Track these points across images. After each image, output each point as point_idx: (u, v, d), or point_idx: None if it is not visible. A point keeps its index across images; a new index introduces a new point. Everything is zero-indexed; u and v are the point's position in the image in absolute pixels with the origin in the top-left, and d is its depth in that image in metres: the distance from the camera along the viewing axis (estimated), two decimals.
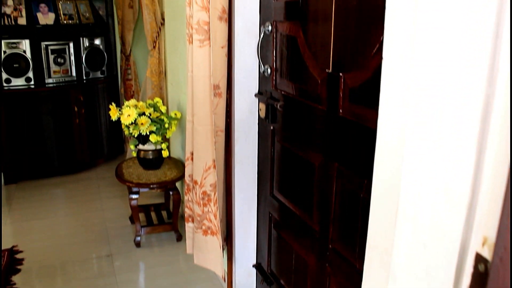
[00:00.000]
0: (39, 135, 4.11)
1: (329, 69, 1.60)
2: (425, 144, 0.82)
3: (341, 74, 1.53)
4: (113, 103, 3.04)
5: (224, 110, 2.13)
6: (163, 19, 3.46)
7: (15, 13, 3.94)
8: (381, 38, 1.35)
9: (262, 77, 2.12)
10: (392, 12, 1.04)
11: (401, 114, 0.97)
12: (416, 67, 0.86)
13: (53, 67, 4.14)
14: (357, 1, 1.44)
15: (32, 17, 4.02)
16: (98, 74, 4.39)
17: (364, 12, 1.41)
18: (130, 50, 4.43)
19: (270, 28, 1.98)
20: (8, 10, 3.92)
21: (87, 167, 4.42)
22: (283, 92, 1.95)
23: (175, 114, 3.07)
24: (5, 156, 4.04)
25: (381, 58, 1.37)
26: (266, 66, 2.04)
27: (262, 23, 2.06)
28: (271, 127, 2.08)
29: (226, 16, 1.99)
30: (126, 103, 3.00)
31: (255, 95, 2.16)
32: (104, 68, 4.42)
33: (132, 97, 4.53)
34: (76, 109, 4.17)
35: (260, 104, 2.12)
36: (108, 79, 4.48)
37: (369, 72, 1.41)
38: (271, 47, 2.00)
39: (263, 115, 2.10)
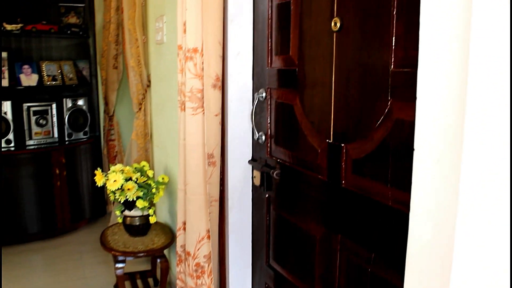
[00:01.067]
0: (18, 199, 3.95)
1: (330, 139, 1.56)
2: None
3: (343, 144, 1.50)
4: (98, 168, 2.95)
5: (218, 179, 2.07)
6: (149, 81, 3.44)
7: None
8: (386, 109, 1.33)
9: (256, 144, 2.08)
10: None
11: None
12: None
13: (35, 129, 4.04)
14: (358, 69, 1.43)
15: (15, 79, 3.97)
16: (81, 135, 4.30)
17: (368, 81, 1.40)
18: (114, 110, 4.38)
19: (264, 95, 1.95)
20: None
21: (68, 230, 4.25)
22: (279, 160, 1.90)
23: (163, 178, 2.99)
24: None
25: (386, 129, 1.35)
26: (260, 133, 2.00)
27: (256, 89, 2.04)
28: (267, 195, 2.02)
29: (220, 83, 1.96)
30: (112, 168, 2.91)
31: (249, 162, 2.11)
32: (87, 129, 4.34)
33: (115, 158, 4.45)
34: (57, 171, 4.05)
35: (255, 171, 2.07)
36: (91, 139, 4.40)
37: (373, 143, 1.38)
38: (265, 114, 1.97)
39: (257, 182, 2.04)
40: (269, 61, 1.92)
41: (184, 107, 2.01)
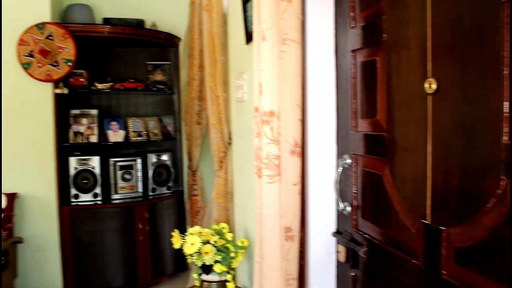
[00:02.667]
0: (102, 251, 4.00)
1: (426, 219, 1.32)
2: None
3: (443, 228, 1.25)
4: (175, 230, 2.87)
5: (297, 255, 1.87)
6: (230, 139, 3.36)
7: (88, 131, 4.02)
8: (498, 190, 1.09)
9: (340, 215, 1.87)
10: None
11: None
12: None
13: (120, 183, 4.12)
14: (460, 139, 1.19)
15: (103, 134, 4.10)
16: (164, 190, 4.32)
17: (472, 153, 1.16)
18: (197, 165, 4.36)
19: (349, 161, 1.76)
20: (82, 129, 4.01)
21: (149, 285, 4.21)
22: (366, 235, 1.67)
23: (242, 242, 2.84)
24: (68, 270, 3.93)
25: (500, 215, 1.09)
26: (345, 204, 1.79)
27: (339, 155, 1.84)
28: (353, 273, 1.78)
29: (299, 149, 1.79)
30: (190, 230, 2.82)
31: (333, 234, 1.89)
32: (170, 184, 4.36)
33: (198, 213, 4.38)
34: (140, 226, 4.06)
35: (339, 245, 1.84)
36: (174, 194, 4.39)
37: (483, 231, 1.13)
38: (350, 183, 1.76)
39: (342, 258, 1.81)
40: (354, 124, 1.73)
41: (261, 174, 1.86)
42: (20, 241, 3.84)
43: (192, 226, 4.33)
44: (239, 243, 2.85)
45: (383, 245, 1.56)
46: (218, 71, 3.38)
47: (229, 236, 2.87)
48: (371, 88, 1.61)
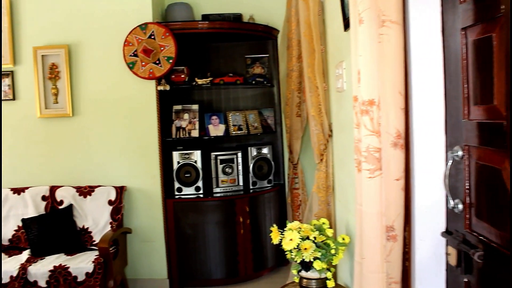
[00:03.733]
0: (204, 244, 4.07)
1: None
2: None
3: None
4: (274, 225, 2.81)
5: (400, 257, 1.70)
6: (331, 131, 3.22)
7: (189, 126, 4.11)
8: None
9: (450, 213, 1.67)
10: None
11: None
12: None
13: (221, 177, 4.16)
14: None
15: (204, 129, 4.16)
16: (265, 183, 4.30)
17: None
18: (298, 158, 4.28)
19: (460, 153, 1.56)
20: (184, 124, 4.11)
21: (250, 278, 4.22)
22: (481, 237, 1.47)
23: (343, 238, 2.70)
24: (172, 261, 4.07)
25: None
26: (456, 201, 1.60)
27: (449, 146, 1.65)
28: (465, 279, 1.59)
29: (401, 141, 1.63)
30: (289, 225, 2.74)
31: (442, 235, 1.70)
32: (271, 177, 4.32)
33: (299, 207, 4.30)
34: (241, 219, 4.07)
35: (449, 247, 1.65)
36: (275, 188, 4.36)
37: None
38: (462, 177, 1.57)
39: (453, 262, 1.62)
40: (466, 111, 1.53)
41: (360, 167, 1.72)
42: (129, 231, 4.03)
43: (293, 220, 4.29)
44: (340, 240, 2.72)
45: (502, 249, 1.36)
46: (316, 61, 3.26)
47: (329, 232, 2.75)
48: (486, 69, 1.40)
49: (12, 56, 4.09)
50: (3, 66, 4.09)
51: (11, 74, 4.12)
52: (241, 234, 4.09)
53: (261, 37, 4.42)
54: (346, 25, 2.61)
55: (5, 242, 3.95)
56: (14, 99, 4.14)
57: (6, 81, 4.12)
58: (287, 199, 4.44)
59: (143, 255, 4.14)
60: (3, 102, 4.14)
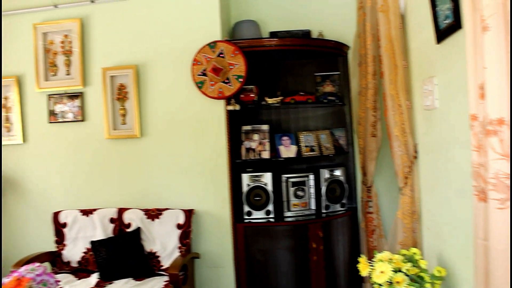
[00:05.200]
0: (275, 270, 3.87)
1: None
2: None
3: None
4: (362, 256, 2.57)
5: None
6: (416, 152, 2.97)
7: (259, 147, 3.96)
8: None
9: None
10: None
11: None
12: None
13: (293, 200, 3.97)
14: None
15: (275, 150, 3.99)
16: (338, 207, 4.06)
17: None
18: (372, 181, 4.02)
19: None
20: (253, 145, 3.96)
21: None
22: None
23: (439, 271, 2.44)
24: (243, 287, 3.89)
25: None
26: None
27: None
28: None
29: None
30: (379, 256, 2.50)
31: None
32: (344, 201, 4.09)
33: (373, 232, 4.03)
34: (314, 245, 3.85)
35: None
36: (348, 212, 4.11)
37: None
38: None
39: None
40: None
41: (485, 196, 1.48)
42: (197, 256, 3.90)
43: (367, 246, 4.03)
44: (435, 273, 2.45)
45: None
46: (399, 77, 3.04)
47: (422, 263, 2.49)
48: None
49: (82, 77, 4.10)
50: (74, 87, 4.12)
51: (81, 95, 4.13)
52: (314, 260, 3.86)
53: (331, 54, 4.23)
54: (440, 37, 2.39)
55: (74, 264, 3.93)
56: (83, 120, 4.15)
57: (76, 102, 4.13)
58: (360, 224, 4.18)
59: (211, 281, 3.99)
60: (73, 123, 4.16)
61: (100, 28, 4.14)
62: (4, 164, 4.38)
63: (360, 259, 2.56)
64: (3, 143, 4.36)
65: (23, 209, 4.36)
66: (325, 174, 4.01)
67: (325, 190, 4.00)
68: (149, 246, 3.83)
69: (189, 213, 3.84)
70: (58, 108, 4.19)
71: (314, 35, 4.23)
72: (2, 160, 4.38)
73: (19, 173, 4.36)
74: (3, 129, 4.36)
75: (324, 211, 4.01)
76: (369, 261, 2.54)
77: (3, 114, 4.35)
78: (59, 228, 4.04)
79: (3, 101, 4.35)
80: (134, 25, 4.08)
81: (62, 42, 4.17)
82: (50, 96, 4.21)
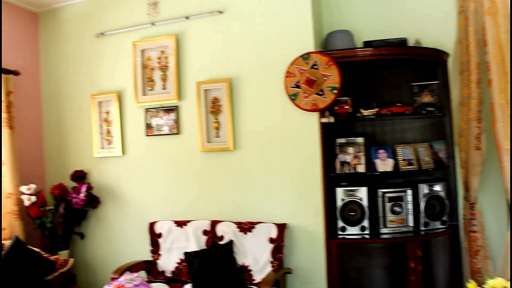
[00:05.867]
0: None
1: None
2: None
3: None
4: (470, 281, 2.37)
5: None
6: None
7: (354, 161, 3.83)
8: None
9: None
10: None
11: None
12: None
13: (389, 216, 3.79)
14: None
15: (370, 164, 3.85)
16: (438, 225, 3.82)
17: None
18: (476, 197, 3.75)
19: None
20: (348, 158, 3.84)
21: None
22: None
23: None
24: None
25: None
26: None
27: None
28: None
29: None
30: (491, 283, 2.29)
31: None
32: (444, 218, 3.84)
33: (477, 253, 3.75)
34: (412, 264, 3.64)
35: None
36: (449, 230, 3.85)
37: None
38: None
39: None
40: None
41: None
42: (289, 271, 3.84)
43: (471, 268, 3.75)
44: None
45: None
46: (510, 85, 2.81)
47: None
48: None
49: (177, 92, 4.23)
50: (170, 101, 4.25)
51: (176, 109, 4.25)
52: (412, 281, 3.65)
53: (429, 62, 4.02)
54: None
55: (168, 274, 4.04)
56: (178, 133, 4.26)
57: (171, 116, 4.26)
58: (463, 244, 3.91)
59: None
60: (169, 136, 4.29)
61: (194, 43, 4.24)
62: (105, 175, 4.61)
63: (469, 285, 2.36)
64: (105, 155, 4.59)
65: (121, 218, 4.55)
66: (424, 189, 3.80)
67: (424, 206, 3.78)
68: (241, 260, 3.82)
69: (281, 227, 3.79)
70: (154, 121, 4.34)
71: (411, 43, 4.05)
72: (104, 171, 4.61)
73: (118, 184, 4.56)
74: (104, 142, 4.59)
75: (423, 228, 3.80)
76: (479, 287, 2.33)
77: (105, 127, 4.59)
78: (154, 238, 4.16)
79: (105, 115, 4.58)
80: (227, 38, 4.13)
81: (159, 58, 4.33)
82: (147, 110, 4.37)
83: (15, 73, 4.48)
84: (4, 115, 4.27)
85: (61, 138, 4.87)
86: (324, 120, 3.74)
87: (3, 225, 4.21)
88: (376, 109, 3.84)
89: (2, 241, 3.91)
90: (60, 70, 4.89)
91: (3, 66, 4.41)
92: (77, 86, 4.79)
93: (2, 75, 4.31)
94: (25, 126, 4.74)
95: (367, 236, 3.76)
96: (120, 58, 4.54)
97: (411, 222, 3.81)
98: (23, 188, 4.24)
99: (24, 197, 4.23)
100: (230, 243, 3.86)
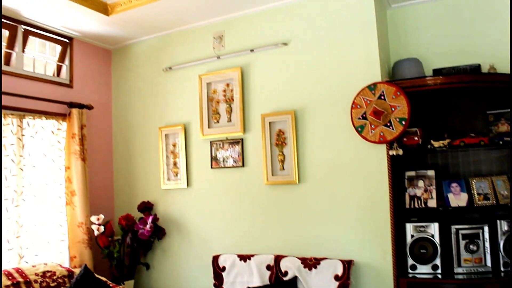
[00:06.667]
0: None
1: None
2: None
3: None
4: None
5: None
6: None
7: (425, 195, 3.64)
8: None
9: None
10: None
11: None
12: None
13: (464, 255, 3.54)
14: None
15: (442, 198, 3.63)
16: None
17: None
18: None
19: None
20: (418, 192, 3.66)
21: None
22: None
23: None
24: None
25: None
26: None
27: None
28: None
29: None
30: None
31: None
32: None
33: None
34: None
35: None
36: None
37: None
38: None
39: None
40: None
41: None
42: None
43: None
44: None
45: None
46: None
47: None
48: None
49: (242, 124, 4.24)
50: (235, 134, 4.27)
51: (241, 141, 4.25)
52: None
53: (505, 89, 3.77)
54: None
55: None
56: (243, 166, 4.25)
57: (236, 148, 4.28)
58: None
59: None
60: (234, 169, 4.31)
61: (259, 75, 4.26)
62: (170, 207, 4.68)
63: None
64: (171, 187, 4.66)
65: (186, 250, 4.57)
66: (503, 226, 3.52)
67: (503, 244, 3.50)
68: None
69: (348, 264, 3.64)
70: (219, 154, 4.36)
71: (484, 69, 3.84)
72: (170, 203, 4.67)
73: (183, 215, 4.61)
74: (171, 174, 4.67)
75: (503, 269, 3.50)
76: None
77: (171, 159, 4.68)
78: (218, 271, 4.13)
79: (171, 148, 4.68)
80: (291, 70, 4.11)
81: (224, 91, 4.38)
82: (212, 142, 4.41)
83: (89, 107, 4.70)
84: (77, 148, 4.46)
85: (130, 169, 5.02)
86: (393, 152, 3.60)
87: (74, 253, 4.37)
88: (448, 140, 3.64)
89: (73, 269, 4.04)
90: (130, 103, 5.08)
91: (78, 101, 4.65)
92: (145, 119, 4.94)
93: (77, 109, 4.53)
94: (96, 158, 4.93)
95: (439, 276, 3.52)
96: (186, 91, 4.65)
97: (489, 262, 3.53)
98: (93, 218, 4.39)
99: (93, 226, 4.37)
100: (294, 280, 3.76)
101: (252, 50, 4.26)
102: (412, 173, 3.75)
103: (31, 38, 4.44)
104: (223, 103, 4.38)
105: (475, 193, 3.60)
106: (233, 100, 4.32)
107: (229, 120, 4.34)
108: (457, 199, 3.60)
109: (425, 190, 3.66)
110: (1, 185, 3.76)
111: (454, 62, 3.95)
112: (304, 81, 4.05)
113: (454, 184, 3.64)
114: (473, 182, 3.64)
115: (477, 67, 3.81)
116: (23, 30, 4.30)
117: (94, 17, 4.29)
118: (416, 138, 3.70)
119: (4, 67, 4.11)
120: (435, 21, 4.14)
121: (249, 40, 4.32)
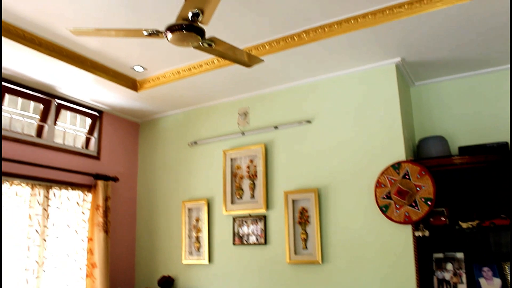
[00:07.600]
0: None
1: None
2: None
3: None
4: None
5: None
6: None
7: (454, 279, 3.48)
8: None
9: None
10: None
11: None
12: None
13: None
14: None
15: (473, 282, 3.46)
16: None
17: None
18: None
19: None
20: (447, 276, 3.50)
21: None
22: None
23: None
24: None
25: None
26: None
27: None
28: None
29: None
30: None
31: None
32: None
33: None
34: None
35: None
36: None
37: None
38: None
39: None
40: None
41: None
42: None
43: None
44: None
45: None
46: None
47: None
48: None
49: (265, 201, 4.21)
50: (258, 211, 4.23)
51: (263, 218, 4.20)
52: None
53: None
54: None
55: None
56: (265, 243, 4.17)
57: (259, 225, 4.22)
58: None
59: None
60: (256, 246, 4.22)
61: (282, 152, 4.27)
62: (191, 283, 4.56)
63: None
64: (192, 262, 4.58)
65: None
66: None
67: None
68: None
69: None
70: (242, 230, 4.31)
71: None
72: (191, 278, 4.58)
73: None
74: (193, 249, 4.61)
75: None
76: None
77: (194, 234, 4.63)
78: None
79: (194, 222, 4.65)
80: (314, 148, 4.12)
81: (248, 167, 4.39)
82: (235, 218, 4.37)
83: (114, 179, 4.76)
84: (100, 219, 4.48)
85: (152, 242, 4.99)
86: (419, 233, 3.49)
87: None
88: (477, 221, 3.51)
89: None
90: (155, 176, 5.13)
91: (105, 173, 4.72)
92: (169, 192, 4.96)
93: (103, 181, 4.59)
94: (120, 229, 4.93)
95: None
96: (211, 166, 4.68)
97: None
98: None
99: None
100: None
101: (276, 127, 4.31)
102: (440, 255, 3.61)
103: (63, 112, 4.61)
104: (247, 179, 4.39)
105: (510, 279, 3.42)
106: (256, 176, 4.32)
107: (252, 196, 4.32)
108: (490, 284, 3.42)
109: (455, 274, 3.50)
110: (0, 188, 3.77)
111: (480, 139, 3.91)
112: (328, 159, 4.03)
113: (485, 268, 3.48)
114: (506, 267, 3.47)
115: (505, 145, 3.75)
116: (56, 104, 4.48)
117: (124, 92, 4.45)
118: (443, 218, 3.59)
119: (35, 139, 4.27)
120: (459, 98, 4.15)
121: (273, 117, 4.39)
